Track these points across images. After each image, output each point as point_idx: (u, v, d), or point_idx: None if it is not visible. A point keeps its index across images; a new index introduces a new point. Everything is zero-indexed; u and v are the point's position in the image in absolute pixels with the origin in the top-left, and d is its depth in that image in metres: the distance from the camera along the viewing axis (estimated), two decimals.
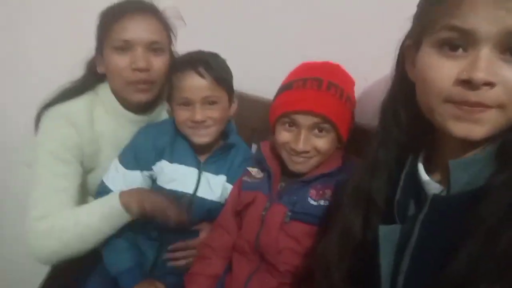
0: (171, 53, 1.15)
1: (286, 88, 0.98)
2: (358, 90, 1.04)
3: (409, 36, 0.68)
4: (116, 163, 1.13)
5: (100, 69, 1.12)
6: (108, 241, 1.09)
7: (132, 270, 1.09)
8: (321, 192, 0.95)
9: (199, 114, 1.04)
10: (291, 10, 1.25)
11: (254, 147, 1.25)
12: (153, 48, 1.07)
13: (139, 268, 1.10)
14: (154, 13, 1.09)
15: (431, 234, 0.61)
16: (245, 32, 1.37)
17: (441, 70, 0.57)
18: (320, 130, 0.93)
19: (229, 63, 1.11)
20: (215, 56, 1.09)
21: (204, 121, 1.05)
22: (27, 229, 1.02)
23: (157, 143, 1.11)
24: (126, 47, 1.05)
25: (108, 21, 1.06)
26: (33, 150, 1.09)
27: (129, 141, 1.14)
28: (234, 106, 1.14)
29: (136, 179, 1.12)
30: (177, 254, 1.12)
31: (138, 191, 1.08)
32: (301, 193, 0.96)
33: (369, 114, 1.04)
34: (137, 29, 1.05)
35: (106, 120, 1.14)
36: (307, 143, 0.93)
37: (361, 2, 1.06)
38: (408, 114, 0.69)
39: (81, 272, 1.12)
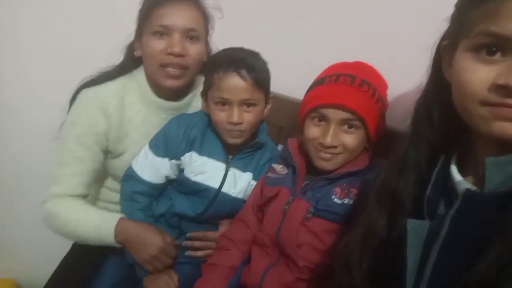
0: (207, 43, 1.18)
1: (318, 83, 0.99)
2: (390, 94, 1.03)
3: (446, 36, 0.68)
4: (146, 149, 1.15)
5: (137, 53, 1.16)
6: None
7: None
8: (345, 191, 0.94)
9: (236, 116, 1.04)
10: (325, 13, 1.27)
11: (280, 147, 1.25)
12: (189, 35, 1.11)
13: None
14: (194, 2, 1.13)
15: (461, 230, 0.60)
16: (276, 32, 1.39)
17: (477, 73, 0.57)
18: (350, 127, 0.93)
19: None
20: (257, 56, 1.09)
21: (241, 123, 1.05)
22: (46, 199, 1.13)
23: (188, 133, 1.12)
24: (164, 32, 1.08)
25: (150, 7, 1.11)
26: (63, 127, 1.14)
27: (161, 129, 1.17)
28: (268, 107, 1.14)
29: (163, 166, 1.14)
30: (195, 244, 1.13)
31: (131, 232, 1.08)
32: (325, 190, 0.95)
33: (398, 117, 1.06)
34: (177, 16, 1.08)
35: (136, 105, 1.17)
36: (336, 139, 0.93)
37: (395, 8, 1.07)
38: (441, 114, 0.69)
39: (100, 252, 1.14)
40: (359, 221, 0.77)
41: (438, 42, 0.71)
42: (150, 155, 1.14)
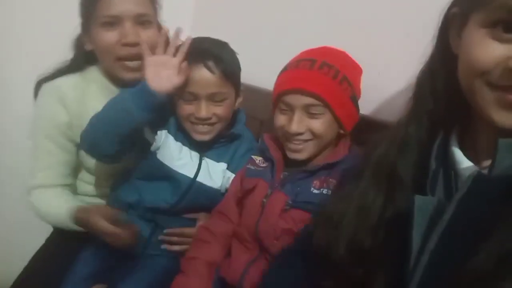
0: (158, 25, 1.12)
1: (281, 71, 0.98)
2: (372, 84, 1.01)
3: (456, 2, 0.61)
4: None
5: (88, 47, 1.10)
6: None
7: None
8: (325, 183, 0.92)
9: (204, 110, 1.00)
10: (305, 3, 1.25)
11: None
12: (141, 21, 1.04)
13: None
14: None
15: (466, 215, 0.55)
16: (256, 24, 1.37)
17: (489, 50, 0.52)
18: (314, 111, 0.91)
19: (239, 56, 1.08)
20: (225, 47, 1.04)
21: (209, 118, 1.02)
22: (27, 192, 1.14)
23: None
24: (114, 22, 1.02)
25: None
26: (31, 124, 1.14)
27: None
28: (240, 100, 1.10)
29: None
30: (172, 239, 1.10)
31: (91, 212, 1.03)
32: (305, 184, 0.93)
33: (381, 108, 1.04)
34: (124, 3, 1.02)
35: (98, 96, 1.12)
36: (301, 125, 0.91)
37: None
38: (446, 86, 0.63)
39: (73, 246, 1.12)
40: (349, 197, 0.70)
41: (446, 8, 0.63)
42: None
